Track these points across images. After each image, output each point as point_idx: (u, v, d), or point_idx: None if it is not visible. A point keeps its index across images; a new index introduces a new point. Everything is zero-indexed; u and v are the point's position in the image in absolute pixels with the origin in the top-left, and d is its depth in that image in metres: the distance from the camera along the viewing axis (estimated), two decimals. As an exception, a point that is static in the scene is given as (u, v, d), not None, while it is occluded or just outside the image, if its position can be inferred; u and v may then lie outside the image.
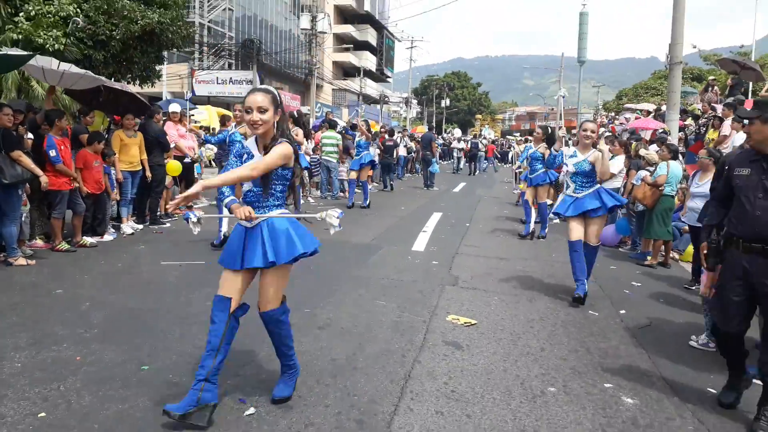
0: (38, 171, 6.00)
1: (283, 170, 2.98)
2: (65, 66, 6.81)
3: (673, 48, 12.50)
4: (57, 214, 6.58)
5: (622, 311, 5.32)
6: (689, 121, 15.74)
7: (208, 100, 28.63)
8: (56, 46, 10.77)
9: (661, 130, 13.13)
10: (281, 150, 2.91)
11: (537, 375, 3.71)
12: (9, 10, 11.06)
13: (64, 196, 6.56)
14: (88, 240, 6.96)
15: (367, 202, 11.73)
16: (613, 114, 33.25)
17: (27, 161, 5.84)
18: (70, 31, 11.01)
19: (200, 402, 2.81)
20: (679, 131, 13.88)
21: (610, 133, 18.46)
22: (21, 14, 10.97)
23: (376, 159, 13.14)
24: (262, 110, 2.90)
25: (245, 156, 3.03)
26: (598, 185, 5.57)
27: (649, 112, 21.57)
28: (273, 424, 2.92)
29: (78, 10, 11.26)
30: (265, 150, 2.96)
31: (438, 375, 3.62)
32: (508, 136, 55.67)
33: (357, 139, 12.05)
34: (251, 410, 3.04)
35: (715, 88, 15.64)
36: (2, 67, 7.13)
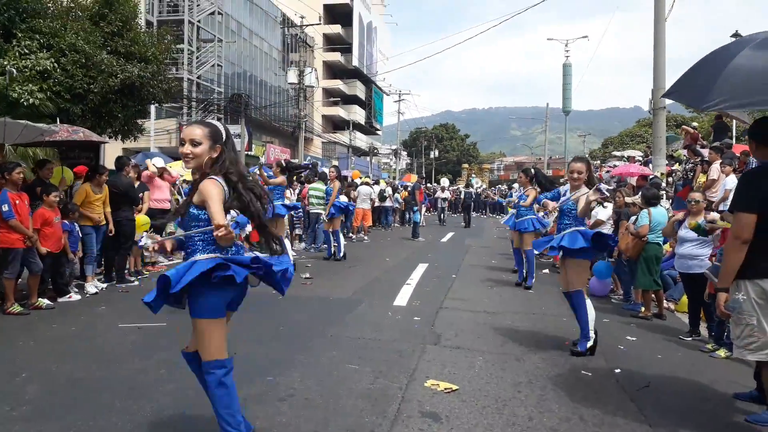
0: (-13, 229, 5.60)
1: (198, 210, 2.68)
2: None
3: (656, 93, 12.47)
4: (9, 274, 6.11)
5: (618, 370, 4.88)
6: (676, 166, 15.66)
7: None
8: (31, 100, 10.57)
9: (652, 177, 12.95)
10: (202, 186, 2.67)
11: (524, 451, 3.26)
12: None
13: (17, 253, 6.13)
14: (44, 302, 6.48)
15: (342, 253, 11.35)
16: (599, 162, 33.47)
17: (-26, 218, 5.45)
18: (46, 86, 10.81)
19: None
20: (667, 176, 13.75)
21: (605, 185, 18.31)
22: (-4, 69, 10.78)
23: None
24: (194, 143, 2.69)
25: None
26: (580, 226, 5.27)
27: (635, 159, 21.58)
28: None
29: (55, 64, 11.10)
30: (193, 185, 2.70)
31: (411, 454, 3.16)
32: (499, 186, 55.62)
33: (327, 186, 11.74)
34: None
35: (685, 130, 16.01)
36: None
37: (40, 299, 6.47)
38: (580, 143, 78.24)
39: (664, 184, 12.05)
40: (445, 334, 5.85)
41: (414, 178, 28.04)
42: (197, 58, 33.39)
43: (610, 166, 21.06)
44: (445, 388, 4.21)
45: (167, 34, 15.33)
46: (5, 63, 10.82)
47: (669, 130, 29.64)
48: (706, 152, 11.63)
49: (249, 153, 28.89)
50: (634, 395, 4.29)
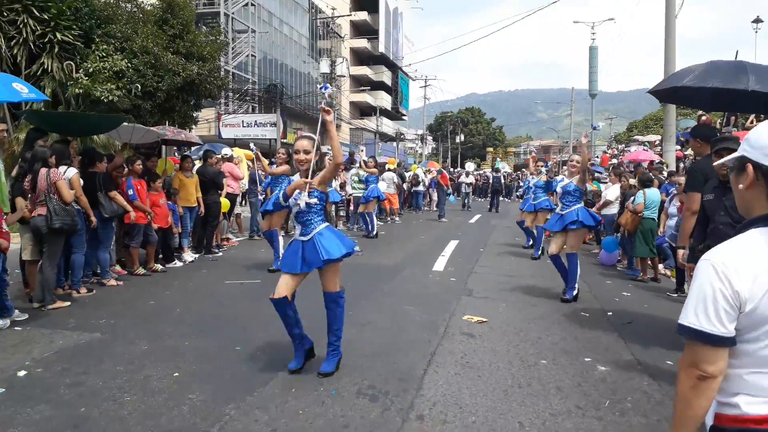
0: (129, 207, 7.33)
1: (321, 194, 4.08)
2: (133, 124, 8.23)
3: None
4: (135, 244, 7.87)
5: (610, 313, 6.41)
6: (689, 151, 16.81)
7: (234, 143, 30.28)
8: (110, 97, 12.26)
9: (658, 161, 14.25)
10: (326, 173, 4.10)
11: (533, 353, 4.83)
12: (71, 67, 12.64)
13: (140, 228, 7.85)
14: (159, 267, 8.22)
15: (374, 232, 12.98)
16: (622, 146, 34.47)
17: (121, 199, 7.19)
18: (121, 85, 12.50)
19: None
20: (678, 161, 14.99)
21: (618, 163, 19.61)
22: (80, 71, 12.52)
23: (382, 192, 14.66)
24: (306, 152, 4.07)
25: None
26: (581, 205, 6.82)
27: (656, 144, 22.76)
28: (336, 381, 4.06)
29: (129, 65, 12.73)
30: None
31: (456, 353, 4.76)
32: (524, 169, 56.57)
33: (365, 174, 13.63)
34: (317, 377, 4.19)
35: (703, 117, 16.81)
36: (97, 129, 8.32)
37: (156, 264, 8.21)
38: (608, 126, 78.26)
39: (668, 169, 13.33)
40: (476, 289, 7.44)
41: (437, 165, 29.21)
42: (232, 48, 35.10)
43: (629, 151, 22.31)
44: (478, 320, 5.80)
45: (219, 34, 17.00)
46: (88, 66, 12.58)
47: (686, 116, 30.40)
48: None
49: (284, 141, 30.51)
50: (618, 327, 5.82)
